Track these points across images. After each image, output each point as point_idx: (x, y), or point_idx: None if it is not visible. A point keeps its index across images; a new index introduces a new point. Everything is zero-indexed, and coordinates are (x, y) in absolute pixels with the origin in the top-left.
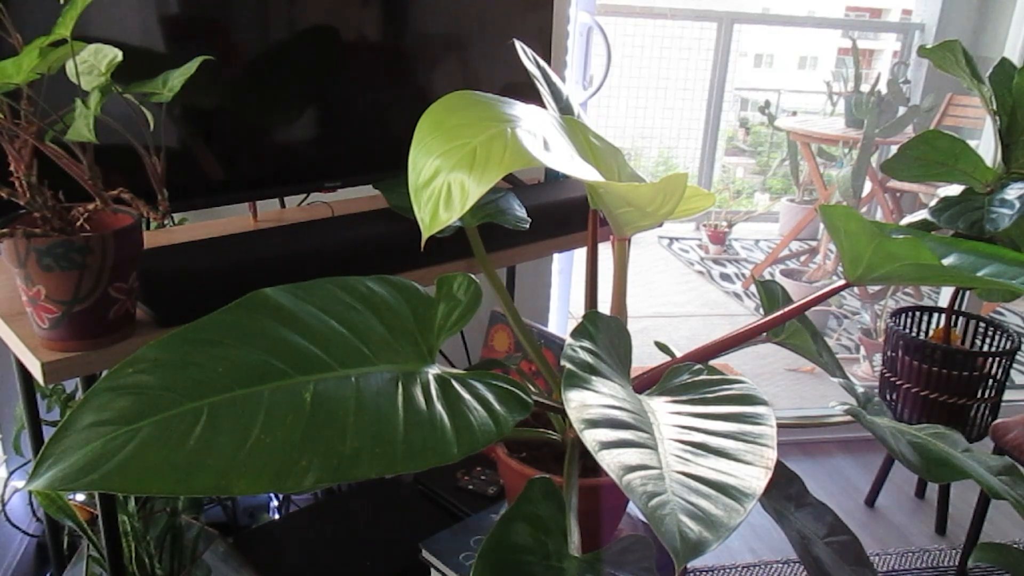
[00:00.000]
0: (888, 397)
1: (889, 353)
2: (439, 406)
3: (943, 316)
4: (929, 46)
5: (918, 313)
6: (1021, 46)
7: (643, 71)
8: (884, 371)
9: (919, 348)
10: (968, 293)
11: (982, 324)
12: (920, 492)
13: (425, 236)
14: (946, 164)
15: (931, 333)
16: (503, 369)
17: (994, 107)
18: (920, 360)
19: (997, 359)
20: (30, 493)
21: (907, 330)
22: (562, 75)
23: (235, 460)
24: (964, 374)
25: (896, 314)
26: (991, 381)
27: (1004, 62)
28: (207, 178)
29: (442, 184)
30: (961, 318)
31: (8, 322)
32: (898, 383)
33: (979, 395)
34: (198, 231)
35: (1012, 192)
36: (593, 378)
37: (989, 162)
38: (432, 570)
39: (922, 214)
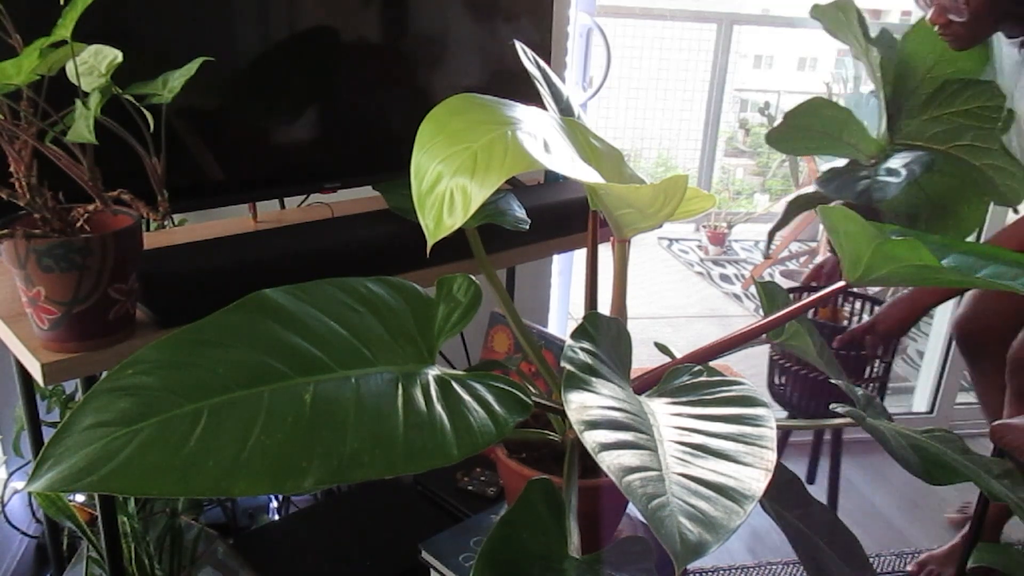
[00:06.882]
0: (776, 381)
1: None
2: (439, 407)
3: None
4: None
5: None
6: None
7: (643, 72)
8: (772, 354)
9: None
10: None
11: (875, 305)
12: (920, 493)
13: (430, 243)
14: (831, 135)
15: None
16: (503, 370)
17: (879, 75)
18: None
19: None
20: (30, 494)
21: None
22: (562, 76)
23: (235, 461)
24: (852, 354)
25: (792, 292)
26: (878, 361)
27: (883, 32)
28: (207, 179)
29: (444, 190)
30: (857, 299)
31: (8, 323)
32: (787, 365)
33: (866, 375)
34: (198, 232)
35: (897, 161)
36: (593, 379)
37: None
38: (432, 571)
39: (813, 187)
